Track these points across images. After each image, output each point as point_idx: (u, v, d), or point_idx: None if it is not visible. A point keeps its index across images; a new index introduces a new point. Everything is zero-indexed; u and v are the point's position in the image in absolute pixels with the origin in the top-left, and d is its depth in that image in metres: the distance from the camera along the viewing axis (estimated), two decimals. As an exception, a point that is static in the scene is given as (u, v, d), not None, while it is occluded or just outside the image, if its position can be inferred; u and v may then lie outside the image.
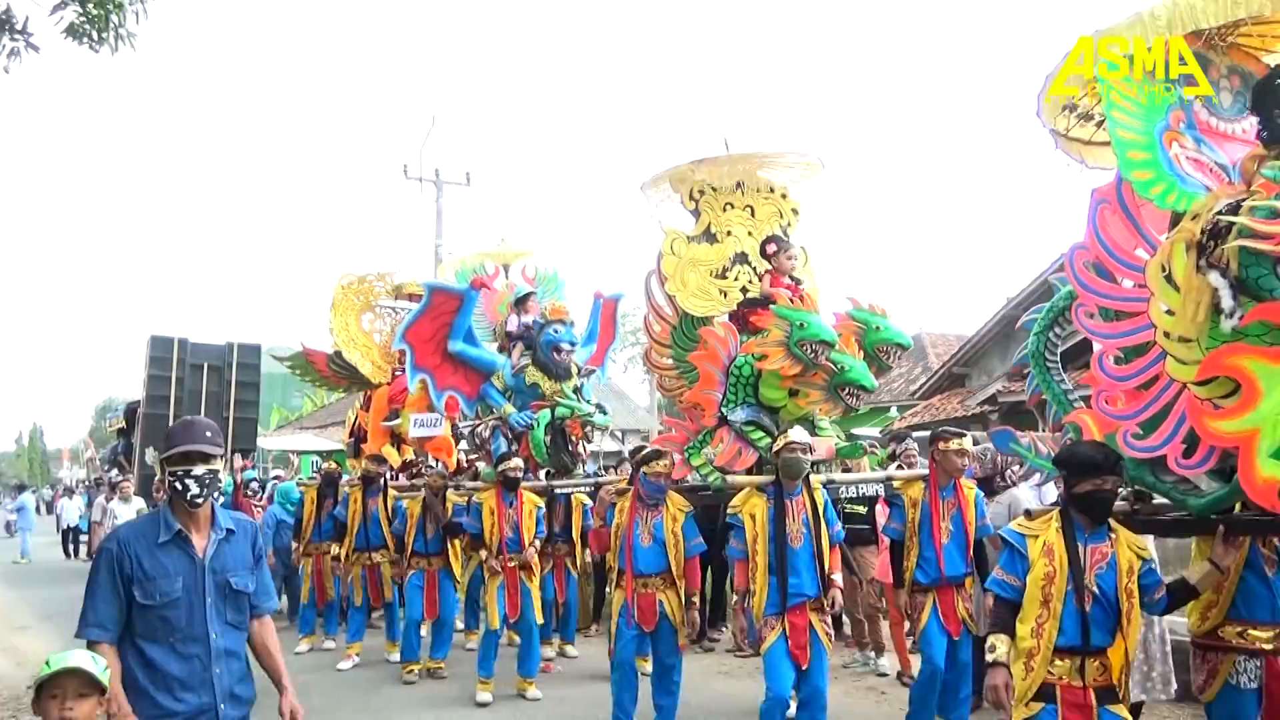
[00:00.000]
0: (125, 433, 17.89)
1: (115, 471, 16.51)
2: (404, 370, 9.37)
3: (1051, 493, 7.72)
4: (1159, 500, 4.18)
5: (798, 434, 5.66)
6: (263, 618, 3.66)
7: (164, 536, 3.38)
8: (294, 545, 10.60)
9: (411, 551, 8.53)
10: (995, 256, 73.94)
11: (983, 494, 6.71)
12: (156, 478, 11.08)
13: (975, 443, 7.40)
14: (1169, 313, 3.56)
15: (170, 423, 16.17)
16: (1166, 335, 3.59)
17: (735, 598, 5.78)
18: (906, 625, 7.88)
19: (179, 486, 3.38)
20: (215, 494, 3.51)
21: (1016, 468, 7.00)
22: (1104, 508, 3.79)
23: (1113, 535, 3.79)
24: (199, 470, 3.39)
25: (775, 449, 5.65)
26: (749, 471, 6.27)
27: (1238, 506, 3.87)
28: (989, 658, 3.73)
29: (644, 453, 6.38)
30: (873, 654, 8.35)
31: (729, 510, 5.71)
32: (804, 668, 5.49)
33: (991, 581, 3.88)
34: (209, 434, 3.47)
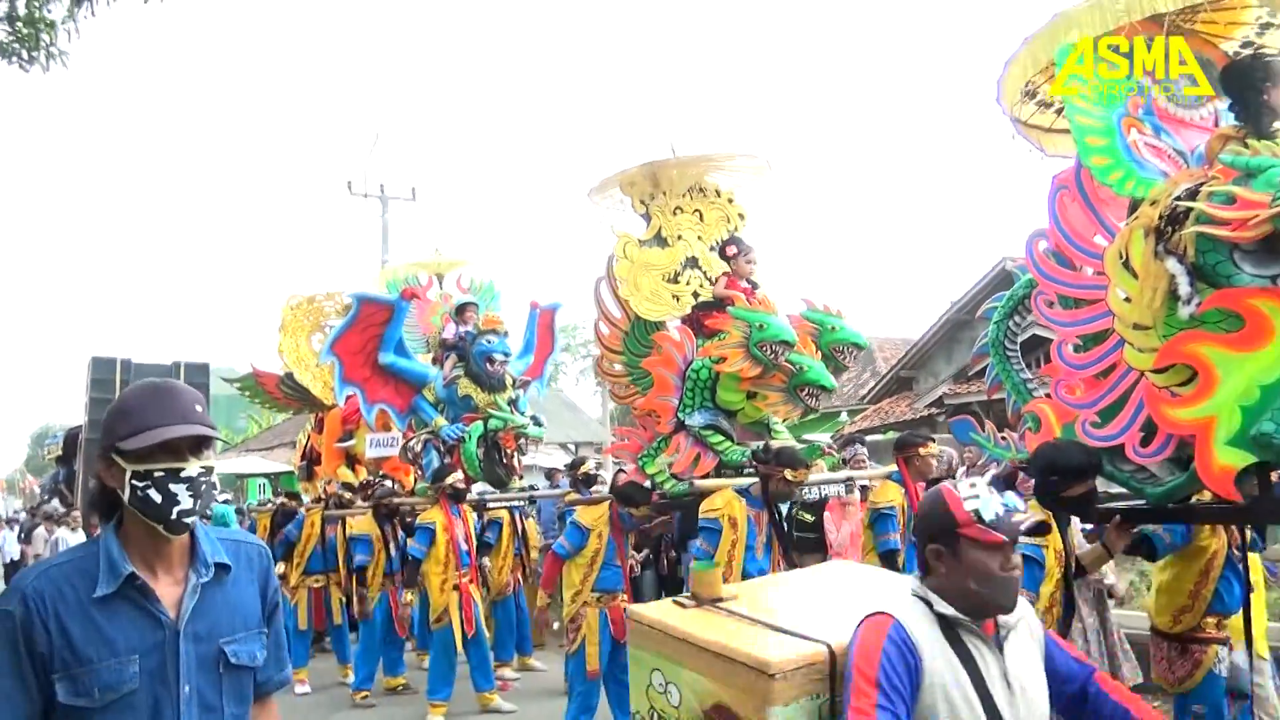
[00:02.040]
0: (65, 460, 17.31)
1: (56, 501, 15.95)
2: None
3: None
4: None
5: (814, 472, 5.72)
6: (267, 701, 2.30)
7: (106, 588, 2.01)
8: None
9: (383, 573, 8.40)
10: (940, 261, 74.80)
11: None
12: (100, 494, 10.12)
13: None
14: (1127, 300, 3.55)
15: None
16: (1124, 323, 3.58)
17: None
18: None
19: (157, 498, 2.03)
20: (211, 507, 2.32)
21: (963, 470, 7.00)
22: (1091, 508, 3.88)
23: None
24: (192, 469, 2.06)
25: (790, 477, 5.43)
26: (707, 477, 6.18)
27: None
28: None
29: (622, 488, 6.38)
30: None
31: (710, 512, 5.48)
32: None
33: None
34: (198, 407, 2.11)
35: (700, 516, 5.50)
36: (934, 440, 6.13)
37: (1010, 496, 2.36)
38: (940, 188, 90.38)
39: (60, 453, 17.91)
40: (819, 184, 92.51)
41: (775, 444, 5.88)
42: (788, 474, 5.41)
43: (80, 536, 12.62)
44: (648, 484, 6.36)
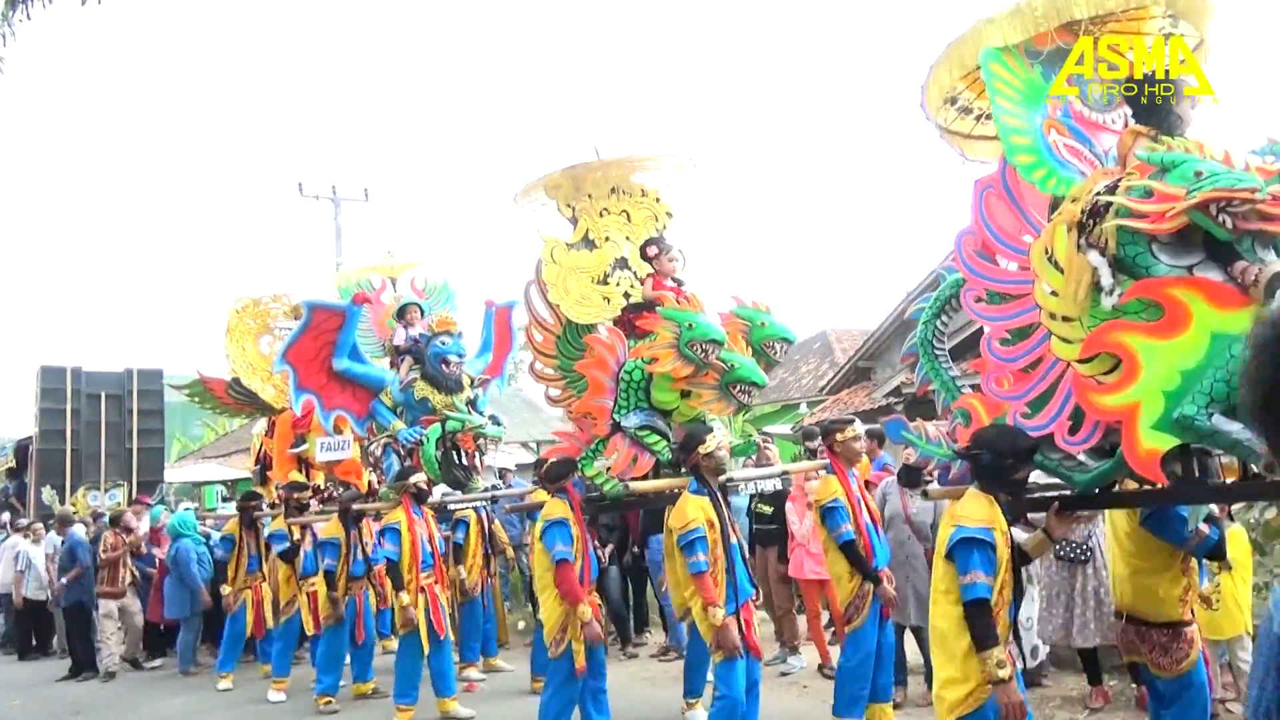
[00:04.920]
0: (16, 472, 17.03)
1: (7, 515, 15.69)
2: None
3: None
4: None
5: (720, 432, 5.68)
6: None
7: None
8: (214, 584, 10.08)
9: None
10: (896, 252, 75.39)
11: (907, 485, 6.77)
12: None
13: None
14: (1052, 293, 3.69)
15: (67, 458, 15.64)
16: (1051, 315, 3.71)
17: (714, 611, 5.32)
18: (826, 618, 7.91)
19: None
20: None
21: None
22: (1025, 490, 4.05)
23: None
24: None
25: (706, 451, 5.53)
26: (645, 477, 6.19)
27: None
28: (1001, 674, 3.62)
29: (548, 469, 6.32)
30: (787, 651, 8.33)
31: (690, 524, 5.37)
32: (760, 658, 5.51)
33: (983, 589, 3.70)
34: None
35: (680, 532, 5.40)
36: (854, 420, 6.18)
37: None
38: (894, 178, 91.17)
39: (11, 464, 17.67)
40: (774, 175, 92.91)
41: (679, 434, 5.96)
42: (701, 450, 5.51)
43: (38, 550, 12.35)
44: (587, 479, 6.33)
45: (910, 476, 6.76)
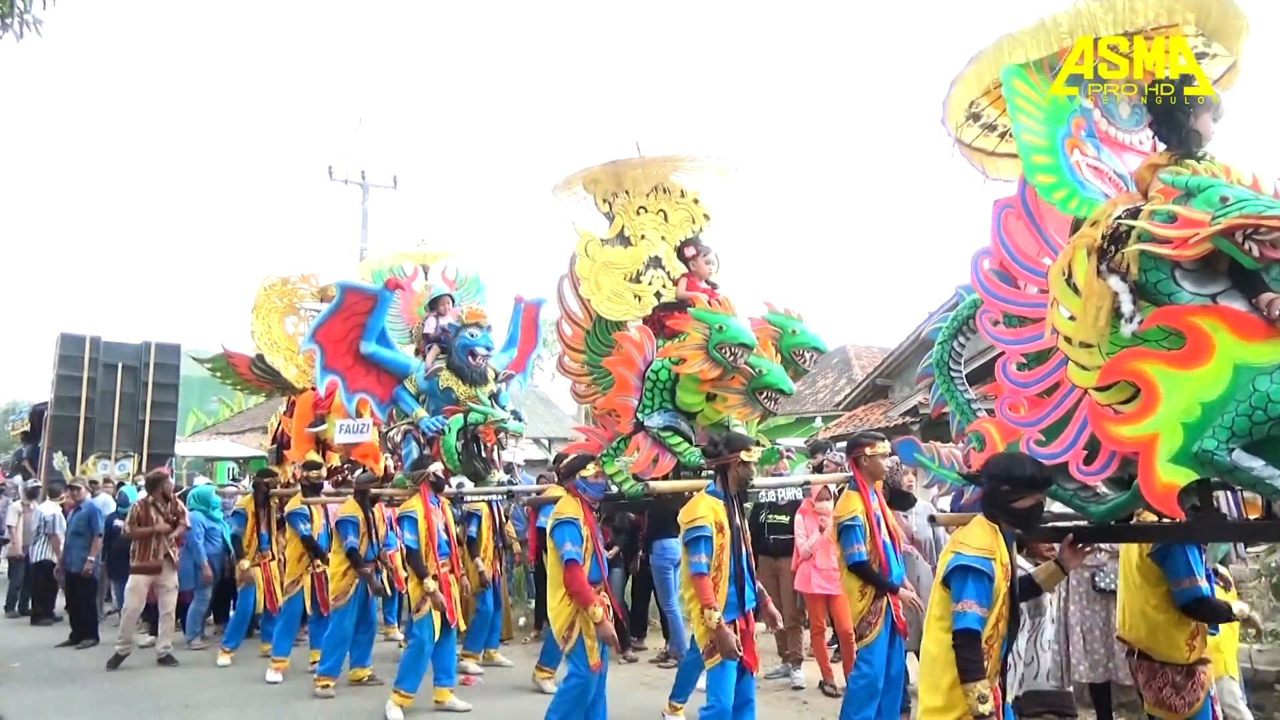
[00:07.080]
0: (31, 436, 17.21)
1: (19, 477, 15.86)
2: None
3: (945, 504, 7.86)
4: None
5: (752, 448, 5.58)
6: None
7: None
8: (231, 559, 10.09)
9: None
10: (920, 270, 75.11)
11: (896, 508, 6.73)
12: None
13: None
14: (1070, 318, 3.57)
15: (80, 426, 15.79)
16: (1068, 340, 3.59)
17: (709, 613, 5.22)
18: (829, 634, 7.88)
19: None
20: None
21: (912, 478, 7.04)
22: (1038, 522, 3.85)
23: None
24: None
25: (746, 459, 5.40)
26: (665, 478, 6.17)
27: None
28: (982, 709, 3.47)
29: (568, 463, 6.25)
30: (790, 665, 8.28)
31: (696, 521, 5.29)
32: (754, 672, 5.36)
33: (974, 620, 3.55)
34: None
35: (686, 528, 5.30)
36: (884, 438, 6.07)
37: None
38: (922, 196, 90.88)
39: (26, 429, 17.84)
40: (801, 189, 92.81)
41: (720, 434, 5.84)
42: (743, 456, 5.38)
43: (54, 508, 12.46)
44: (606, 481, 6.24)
45: (899, 499, 6.70)
